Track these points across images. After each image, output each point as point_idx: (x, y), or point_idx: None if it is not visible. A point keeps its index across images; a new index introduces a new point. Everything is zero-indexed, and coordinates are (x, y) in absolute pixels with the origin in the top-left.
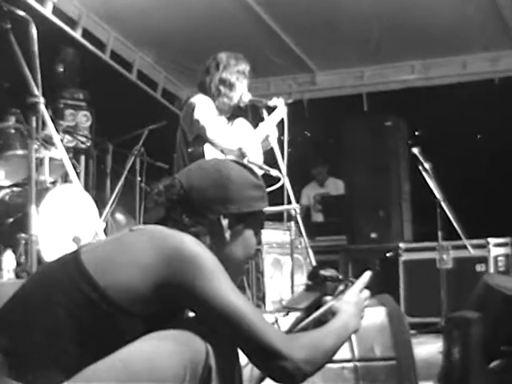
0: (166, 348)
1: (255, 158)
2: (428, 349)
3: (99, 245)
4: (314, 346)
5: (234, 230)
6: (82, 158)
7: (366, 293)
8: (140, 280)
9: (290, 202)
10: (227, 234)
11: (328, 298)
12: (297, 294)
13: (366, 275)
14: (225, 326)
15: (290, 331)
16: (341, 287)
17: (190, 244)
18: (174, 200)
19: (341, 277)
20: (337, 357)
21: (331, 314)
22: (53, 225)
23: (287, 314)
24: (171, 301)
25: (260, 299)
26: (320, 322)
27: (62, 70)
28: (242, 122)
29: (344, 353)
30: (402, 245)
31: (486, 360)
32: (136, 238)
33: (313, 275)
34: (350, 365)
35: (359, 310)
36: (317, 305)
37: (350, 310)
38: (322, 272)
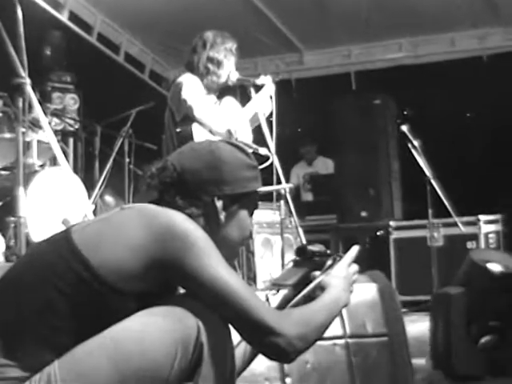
0: (156, 326)
1: (244, 136)
2: (419, 326)
3: (90, 224)
4: (306, 321)
5: (229, 211)
6: (71, 140)
7: (355, 267)
8: (131, 258)
9: (279, 181)
10: (222, 216)
11: (316, 273)
12: (285, 270)
13: (354, 249)
14: (216, 302)
15: (279, 308)
16: (329, 262)
17: (181, 221)
18: (167, 182)
19: (329, 252)
20: (328, 333)
21: (320, 289)
22: (42, 207)
23: (277, 292)
24: (162, 278)
25: (251, 279)
26: (310, 297)
27: (48, 52)
28: (229, 101)
29: (335, 329)
30: (392, 223)
31: (474, 336)
32: (126, 216)
33: (300, 251)
34: (342, 341)
35: (348, 284)
36: (305, 280)
37: (340, 284)
38: (310, 247)
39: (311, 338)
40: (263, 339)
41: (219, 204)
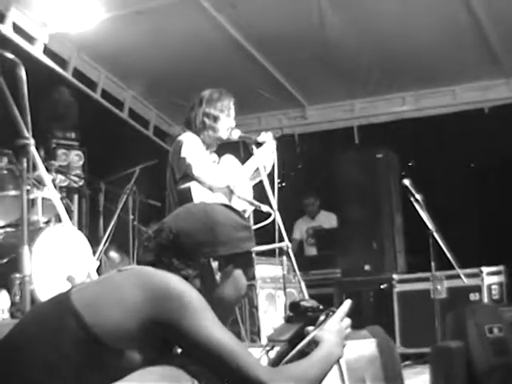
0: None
1: (245, 193)
2: (423, 379)
3: (89, 285)
4: (299, 377)
5: (224, 271)
6: (75, 197)
7: (347, 321)
8: (127, 318)
9: (281, 237)
10: (217, 276)
11: (310, 328)
12: (279, 326)
13: (346, 304)
14: (212, 361)
15: (274, 364)
16: (322, 317)
17: (176, 282)
18: (164, 245)
19: (321, 307)
20: None
21: (314, 344)
22: (47, 264)
23: (272, 348)
24: (159, 338)
25: (254, 333)
26: (303, 353)
27: (53, 109)
28: (229, 158)
29: None
30: (395, 276)
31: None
32: (123, 278)
33: (293, 307)
34: None
35: (341, 338)
36: (299, 336)
37: (332, 339)
38: (303, 303)
39: None
40: None
41: (215, 265)
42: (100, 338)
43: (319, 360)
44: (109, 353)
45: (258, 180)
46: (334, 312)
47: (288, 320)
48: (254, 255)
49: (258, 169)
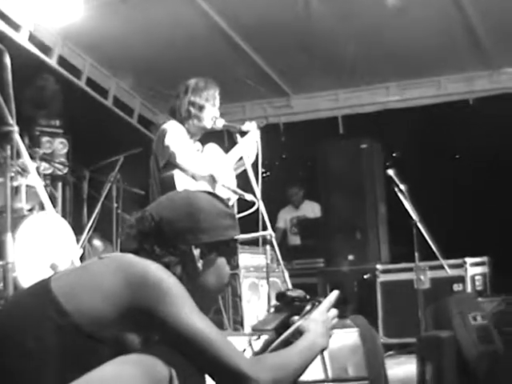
0: (128, 373)
1: (228, 182)
2: (406, 369)
3: (69, 272)
4: (281, 366)
5: (206, 259)
6: (59, 184)
7: (334, 311)
8: (105, 305)
9: (265, 226)
10: (199, 264)
11: (295, 318)
12: (265, 315)
13: (333, 295)
14: (190, 350)
15: (259, 353)
16: (308, 307)
17: (155, 270)
18: (145, 232)
19: (308, 297)
20: (311, 377)
21: (299, 333)
22: (30, 252)
23: (259, 337)
24: (137, 326)
25: (238, 323)
26: (289, 342)
27: (37, 97)
28: (213, 147)
29: (317, 373)
30: (379, 266)
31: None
32: (103, 265)
33: (280, 296)
34: None
35: (326, 328)
36: (285, 325)
37: (317, 329)
38: (289, 293)
39: (286, 382)
40: None
41: (196, 252)
42: (79, 325)
43: (302, 350)
44: (87, 340)
45: (241, 169)
46: (320, 302)
47: (275, 310)
48: (237, 244)
49: (241, 158)
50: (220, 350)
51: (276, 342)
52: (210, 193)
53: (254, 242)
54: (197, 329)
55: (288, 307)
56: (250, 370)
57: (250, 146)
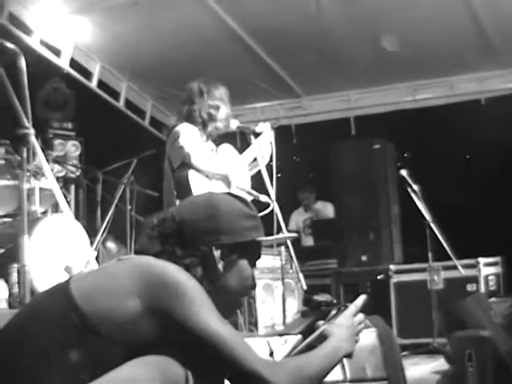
0: (144, 374)
1: (243, 183)
2: (420, 369)
3: (88, 274)
4: (299, 371)
5: (227, 260)
6: (72, 187)
7: (360, 316)
8: (122, 306)
9: (279, 228)
10: (220, 265)
11: (321, 322)
12: (292, 320)
13: (361, 299)
14: (207, 352)
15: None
16: (333, 311)
17: (173, 271)
18: (167, 233)
19: (335, 301)
20: (329, 378)
21: (324, 338)
22: (44, 254)
23: (286, 342)
24: (153, 328)
25: (252, 324)
26: (313, 347)
27: (50, 99)
28: (227, 148)
29: (336, 374)
30: (392, 267)
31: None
32: (121, 267)
33: (307, 301)
34: None
35: (352, 333)
36: (311, 330)
37: (342, 333)
38: (316, 297)
39: None
40: None
41: (217, 253)
42: (95, 327)
43: (324, 355)
44: (105, 342)
45: (256, 170)
46: (346, 307)
47: (301, 314)
48: (261, 246)
49: (255, 159)
50: (237, 352)
51: (300, 347)
52: (232, 194)
53: (267, 244)
54: (214, 330)
55: (314, 312)
56: (267, 373)
57: (264, 147)
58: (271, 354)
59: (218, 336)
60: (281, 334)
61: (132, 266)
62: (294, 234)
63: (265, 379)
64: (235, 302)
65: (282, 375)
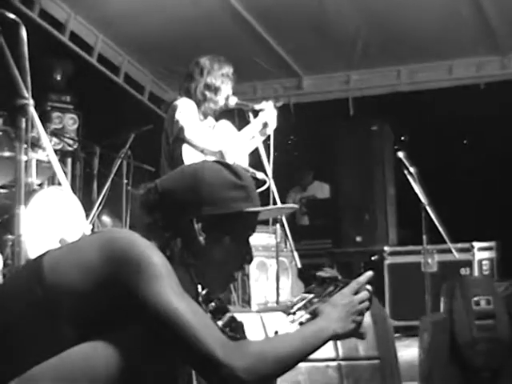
0: (103, 349)
1: (239, 159)
2: (412, 351)
3: (62, 247)
4: (263, 353)
5: (212, 233)
6: (69, 160)
7: (364, 294)
8: (83, 279)
9: (275, 204)
10: (201, 238)
11: (315, 300)
12: (298, 296)
13: (366, 276)
14: (165, 331)
15: None
16: (330, 288)
17: (139, 246)
18: (149, 205)
19: (340, 277)
20: (321, 355)
21: (316, 317)
22: (40, 226)
23: (293, 321)
24: (113, 303)
25: (245, 302)
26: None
27: (49, 72)
28: (225, 124)
29: (328, 352)
30: (386, 248)
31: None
32: (90, 240)
33: (313, 278)
34: (335, 363)
35: (346, 312)
36: (307, 308)
37: (332, 313)
38: (320, 273)
39: (265, 371)
40: (209, 371)
41: (198, 226)
42: (55, 301)
43: (302, 335)
44: (60, 319)
45: (253, 148)
46: (346, 284)
47: (307, 291)
48: (255, 217)
49: (254, 137)
50: (195, 333)
51: (289, 327)
52: (220, 162)
53: (263, 221)
54: (172, 309)
55: (318, 289)
56: (223, 356)
57: (263, 124)
58: (276, 334)
59: (176, 314)
60: (288, 313)
61: (99, 239)
62: (294, 205)
63: (219, 361)
64: (225, 276)
65: (241, 357)
